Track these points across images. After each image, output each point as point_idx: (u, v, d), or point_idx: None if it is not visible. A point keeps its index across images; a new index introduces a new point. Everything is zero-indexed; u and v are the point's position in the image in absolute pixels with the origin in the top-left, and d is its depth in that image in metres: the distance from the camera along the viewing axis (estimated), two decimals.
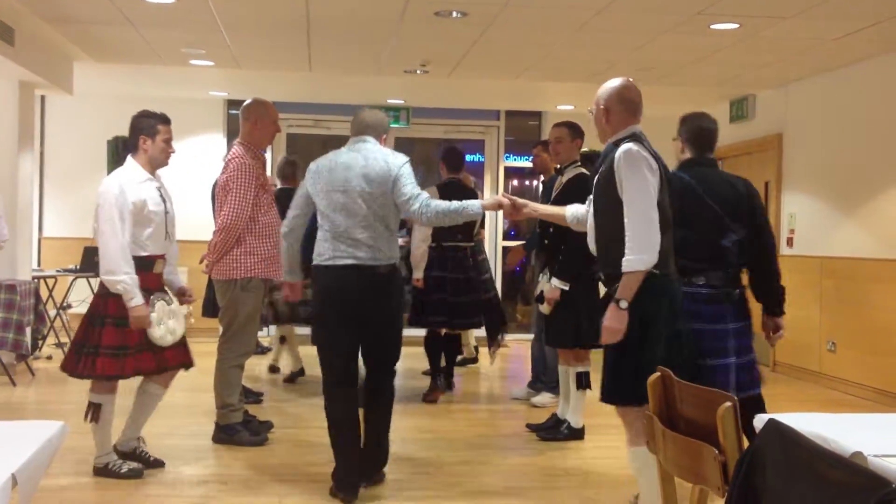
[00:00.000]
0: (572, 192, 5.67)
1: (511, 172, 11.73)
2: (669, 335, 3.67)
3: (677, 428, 2.92)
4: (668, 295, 3.71)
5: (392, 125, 11.03)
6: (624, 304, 3.60)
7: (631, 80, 4.06)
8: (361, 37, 7.39)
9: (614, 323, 3.63)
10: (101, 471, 4.76)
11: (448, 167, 7.12)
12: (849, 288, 7.90)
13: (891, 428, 2.87)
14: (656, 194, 3.65)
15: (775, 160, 9.21)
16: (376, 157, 4.46)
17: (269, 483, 4.74)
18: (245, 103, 5.71)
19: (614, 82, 4.01)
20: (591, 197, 3.94)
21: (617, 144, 3.77)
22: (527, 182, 12.00)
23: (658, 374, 3.04)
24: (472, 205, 4.41)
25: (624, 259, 3.60)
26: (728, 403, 2.60)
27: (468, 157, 11.84)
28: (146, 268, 4.68)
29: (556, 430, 5.88)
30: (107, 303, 4.61)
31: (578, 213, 4.19)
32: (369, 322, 4.44)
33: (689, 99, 10.05)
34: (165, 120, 4.84)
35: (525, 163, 11.36)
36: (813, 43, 7.22)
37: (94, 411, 4.69)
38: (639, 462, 3.63)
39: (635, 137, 3.82)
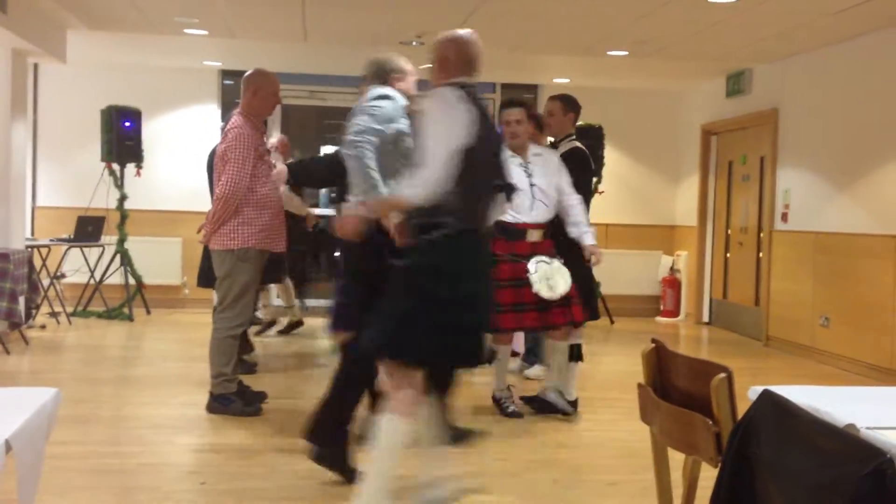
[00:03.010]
0: (567, 166, 5.67)
1: None
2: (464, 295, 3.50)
3: (670, 398, 2.92)
4: (465, 252, 3.56)
5: None
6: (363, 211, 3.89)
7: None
8: (357, 6, 7.33)
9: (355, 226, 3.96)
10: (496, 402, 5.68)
11: None
12: (842, 263, 7.92)
13: (883, 401, 2.89)
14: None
15: (771, 135, 9.20)
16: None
17: (263, 453, 4.75)
18: (247, 73, 5.68)
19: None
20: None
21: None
22: None
23: (652, 345, 3.04)
24: None
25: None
26: (722, 374, 2.61)
27: None
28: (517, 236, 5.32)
29: (549, 403, 5.89)
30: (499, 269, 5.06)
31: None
32: None
33: (686, 73, 10.04)
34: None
35: None
36: (811, 17, 7.19)
37: (490, 355, 5.33)
38: (398, 435, 3.48)
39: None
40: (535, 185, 5.43)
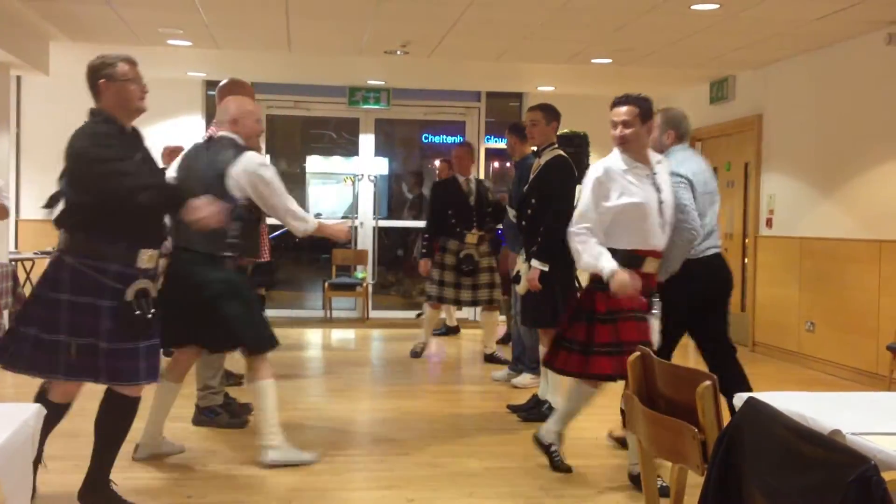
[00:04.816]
0: (550, 174, 5.68)
1: (492, 154, 11.71)
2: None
3: (657, 407, 2.92)
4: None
5: (372, 106, 11.00)
6: None
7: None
8: (341, 16, 7.33)
9: None
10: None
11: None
12: (828, 268, 7.95)
13: (869, 407, 2.89)
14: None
15: (755, 141, 9.24)
16: None
17: (250, 465, 4.73)
18: (221, 83, 5.65)
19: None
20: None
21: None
22: (507, 164, 11.97)
23: (637, 353, 3.04)
24: None
25: None
26: (707, 382, 2.61)
27: (448, 139, 11.84)
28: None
29: (537, 411, 5.89)
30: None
31: None
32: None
33: (670, 79, 10.07)
34: None
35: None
36: (793, 24, 7.23)
37: None
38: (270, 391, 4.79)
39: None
40: (663, 203, 4.36)
